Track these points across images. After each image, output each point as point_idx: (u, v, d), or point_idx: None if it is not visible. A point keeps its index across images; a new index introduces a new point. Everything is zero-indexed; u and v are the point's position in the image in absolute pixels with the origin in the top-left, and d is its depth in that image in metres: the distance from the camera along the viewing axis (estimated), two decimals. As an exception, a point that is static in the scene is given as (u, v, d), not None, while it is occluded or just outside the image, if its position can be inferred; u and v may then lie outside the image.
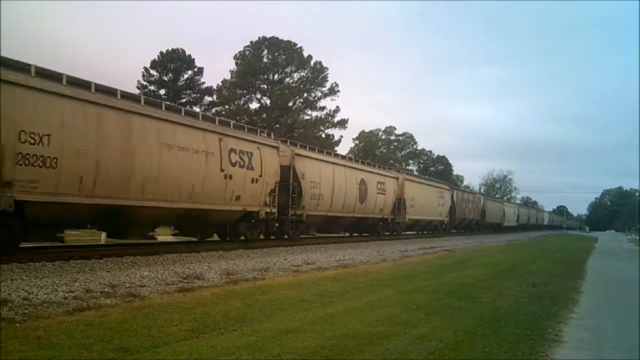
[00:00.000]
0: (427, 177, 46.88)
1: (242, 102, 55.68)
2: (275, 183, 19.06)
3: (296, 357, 5.42)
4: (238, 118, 54.23)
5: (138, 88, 50.54)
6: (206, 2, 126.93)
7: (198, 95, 54.43)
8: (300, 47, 55.58)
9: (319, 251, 18.52)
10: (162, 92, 51.83)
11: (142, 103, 13.95)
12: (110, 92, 12.85)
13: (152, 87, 52.00)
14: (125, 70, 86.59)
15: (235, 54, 55.64)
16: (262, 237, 19.62)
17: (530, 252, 27.12)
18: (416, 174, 49.53)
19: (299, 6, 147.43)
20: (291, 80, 56.47)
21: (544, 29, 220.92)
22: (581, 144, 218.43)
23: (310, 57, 55.97)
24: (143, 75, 52.29)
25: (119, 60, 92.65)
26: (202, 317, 7.03)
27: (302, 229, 21.97)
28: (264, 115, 54.88)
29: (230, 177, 16.41)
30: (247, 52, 55.27)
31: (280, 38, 55.39)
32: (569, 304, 9.89)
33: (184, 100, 53.21)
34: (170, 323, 6.60)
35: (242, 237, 18.40)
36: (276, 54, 55.11)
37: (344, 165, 25.23)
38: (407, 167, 79.41)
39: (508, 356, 5.94)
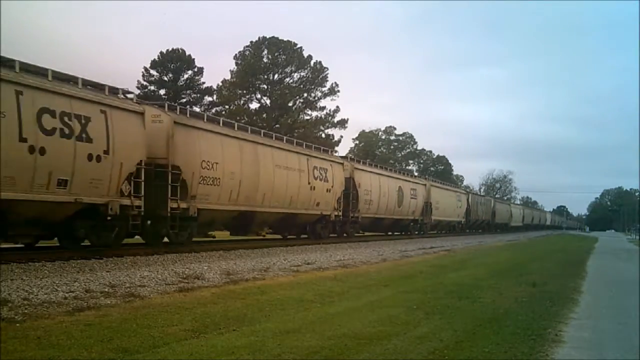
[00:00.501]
0: (448, 183, 50.96)
1: (242, 102, 55.67)
2: (341, 192, 24.45)
3: (296, 357, 5.42)
4: (238, 118, 54.30)
5: (138, 88, 50.52)
6: (206, 2, 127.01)
7: (198, 95, 54.42)
8: (300, 47, 55.60)
9: (319, 251, 18.53)
10: (162, 92, 51.81)
11: (262, 135, 19.83)
12: (244, 128, 19.19)
13: (152, 87, 51.99)
14: (125, 70, 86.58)
15: (235, 54, 55.68)
16: (330, 235, 24.61)
17: (530, 252, 27.11)
18: (439, 181, 47.81)
19: (299, 6, 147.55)
20: (291, 80, 56.47)
21: (544, 29, 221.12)
22: (581, 144, 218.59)
23: (310, 57, 55.99)
24: (143, 75, 52.29)
25: (119, 60, 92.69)
26: (202, 317, 7.03)
27: (357, 228, 27.65)
28: (264, 115, 54.88)
29: (314, 188, 21.68)
30: (247, 52, 55.25)
31: (280, 38, 55.41)
32: (569, 303, 9.88)
33: (184, 100, 53.18)
34: (170, 323, 6.60)
35: (318, 235, 23.38)
36: (276, 54, 55.09)
37: (387, 176, 31.12)
38: (407, 167, 79.51)
39: (508, 356, 5.94)
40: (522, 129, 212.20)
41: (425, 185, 37.31)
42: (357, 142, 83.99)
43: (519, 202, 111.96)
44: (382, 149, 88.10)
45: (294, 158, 20.67)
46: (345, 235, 25.93)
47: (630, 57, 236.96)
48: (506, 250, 27.06)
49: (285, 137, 22.10)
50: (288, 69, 56.02)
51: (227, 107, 54.44)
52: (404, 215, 33.39)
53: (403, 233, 35.38)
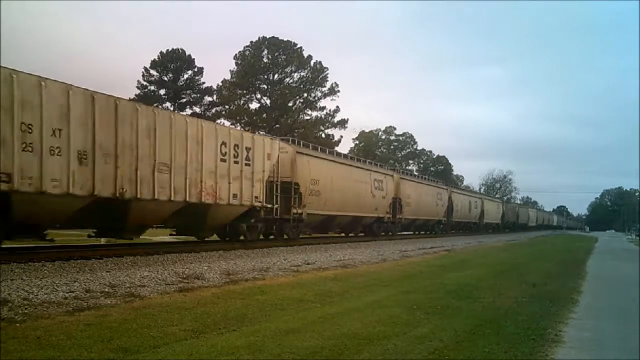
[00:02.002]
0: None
1: (242, 102, 55.72)
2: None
3: (296, 357, 5.42)
4: (238, 118, 54.35)
5: (138, 88, 50.60)
6: (206, 2, 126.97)
7: (198, 95, 54.50)
8: (300, 47, 55.67)
9: (319, 251, 18.53)
10: (162, 92, 51.85)
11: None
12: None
13: (152, 87, 52.04)
14: (125, 70, 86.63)
15: (235, 54, 55.75)
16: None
17: (530, 252, 27.10)
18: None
19: (299, 6, 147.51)
20: (291, 80, 56.52)
21: (544, 29, 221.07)
22: (581, 144, 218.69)
23: (310, 57, 56.05)
24: (143, 75, 52.39)
25: (119, 60, 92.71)
26: (202, 317, 7.03)
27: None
28: (264, 115, 54.93)
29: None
30: (247, 52, 55.30)
31: (280, 38, 55.48)
32: (569, 303, 9.88)
33: (184, 100, 53.25)
34: (170, 323, 6.60)
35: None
36: (276, 54, 55.15)
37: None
38: (407, 167, 79.53)
39: (508, 356, 5.94)
40: (522, 129, 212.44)
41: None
42: (357, 142, 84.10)
43: (519, 202, 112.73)
44: (382, 149, 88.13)
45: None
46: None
47: (629, 57, 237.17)
48: (506, 251, 27.05)
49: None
50: (288, 69, 56.09)
51: (227, 107, 54.49)
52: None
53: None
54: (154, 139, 13.37)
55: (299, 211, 20.76)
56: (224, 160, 15.88)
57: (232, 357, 5.33)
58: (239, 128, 42.32)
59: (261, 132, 45.11)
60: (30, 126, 10.53)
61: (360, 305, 8.58)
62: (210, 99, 55.08)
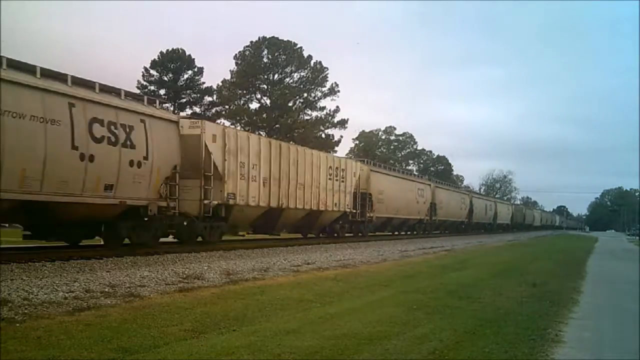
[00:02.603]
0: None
1: (242, 102, 55.68)
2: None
3: (296, 357, 5.42)
4: (238, 118, 54.33)
5: (138, 88, 50.52)
6: (206, 2, 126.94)
7: (198, 95, 54.43)
8: (300, 47, 55.60)
9: (319, 251, 18.52)
10: (162, 92, 51.82)
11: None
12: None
13: (152, 87, 51.99)
14: (126, 70, 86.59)
15: (235, 54, 55.68)
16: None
17: (530, 252, 27.11)
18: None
19: (299, 6, 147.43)
20: (291, 80, 56.46)
21: (545, 29, 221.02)
22: (581, 144, 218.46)
23: (310, 57, 55.99)
24: (143, 75, 52.31)
25: (119, 60, 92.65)
26: (202, 317, 7.03)
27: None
28: (264, 115, 54.88)
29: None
30: (247, 52, 55.26)
31: (280, 38, 55.42)
32: (569, 304, 9.89)
33: (184, 100, 53.22)
34: (170, 323, 6.60)
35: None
36: (276, 54, 55.10)
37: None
38: (407, 167, 79.58)
39: (508, 356, 5.94)
40: (522, 129, 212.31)
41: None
42: (357, 142, 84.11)
43: (519, 202, 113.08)
44: (382, 149, 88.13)
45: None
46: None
47: (630, 57, 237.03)
48: (506, 251, 27.06)
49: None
50: (288, 69, 56.04)
51: (227, 107, 54.46)
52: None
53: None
54: (296, 167, 20.11)
55: (371, 215, 27.07)
56: (330, 179, 22.65)
57: (232, 357, 5.33)
58: (239, 127, 42.27)
59: (261, 132, 45.17)
60: (242, 163, 16.95)
61: (360, 305, 8.58)
62: (210, 99, 55.03)
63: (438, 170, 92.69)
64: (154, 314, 7.08)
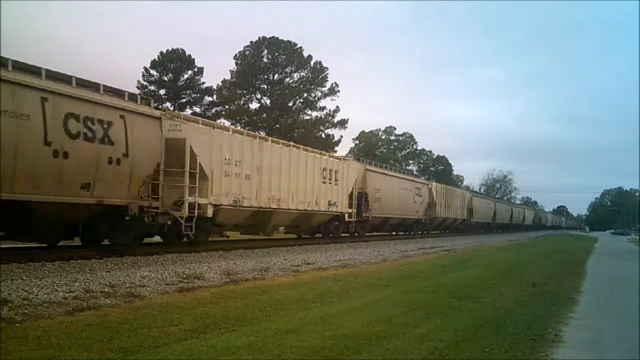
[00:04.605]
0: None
1: (242, 102, 55.64)
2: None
3: (296, 357, 5.42)
4: (238, 118, 54.32)
5: (138, 88, 50.53)
6: (206, 2, 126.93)
7: (198, 95, 54.40)
8: (300, 47, 55.56)
9: (319, 251, 18.52)
10: (162, 92, 51.82)
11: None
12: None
13: (152, 87, 51.98)
14: (126, 70, 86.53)
15: (235, 54, 55.64)
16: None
17: (530, 252, 27.12)
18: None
19: (299, 6, 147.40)
20: (291, 80, 56.42)
21: (543, 29, 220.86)
22: (581, 144, 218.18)
23: (310, 57, 55.95)
24: (143, 75, 52.29)
25: (119, 60, 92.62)
26: (202, 317, 7.03)
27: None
28: (264, 115, 54.86)
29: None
30: (247, 52, 55.23)
31: (280, 38, 55.39)
32: (569, 303, 9.89)
33: (184, 100, 53.21)
34: (170, 323, 6.60)
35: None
36: (276, 54, 55.07)
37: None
38: (407, 167, 79.52)
39: (508, 356, 5.94)
40: (521, 129, 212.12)
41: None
42: (357, 142, 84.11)
43: (519, 202, 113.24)
44: (382, 149, 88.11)
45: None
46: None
47: (630, 56, 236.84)
48: (506, 251, 27.06)
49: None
50: (288, 69, 55.98)
51: (227, 107, 54.44)
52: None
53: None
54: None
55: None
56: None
57: (232, 357, 5.33)
58: (238, 127, 42.25)
59: (261, 132, 45.09)
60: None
61: (360, 305, 8.58)
62: (210, 99, 55.00)
63: (438, 170, 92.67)
64: (154, 314, 7.08)
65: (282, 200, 19.19)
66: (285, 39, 55.37)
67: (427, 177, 44.96)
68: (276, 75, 56.08)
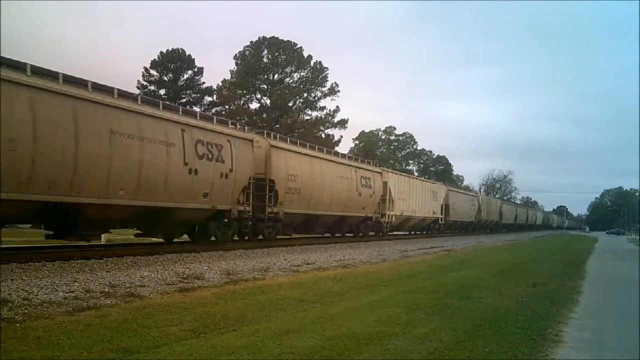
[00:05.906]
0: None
1: (242, 102, 55.66)
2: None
3: (296, 357, 5.42)
4: (238, 118, 54.31)
5: (138, 88, 50.54)
6: (206, 2, 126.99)
7: (198, 95, 54.41)
8: (300, 47, 55.59)
9: (319, 251, 18.53)
10: (162, 92, 51.80)
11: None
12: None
13: (152, 87, 51.97)
14: (126, 70, 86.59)
15: (235, 54, 55.70)
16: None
17: (530, 252, 27.11)
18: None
19: (299, 6, 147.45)
20: (291, 80, 56.45)
21: (543, 29, 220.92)
22: (581, 144, 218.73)
23: (310, 57, 55.98)
24: (143, 75, 52.30)
25: (119, 60, 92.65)
26: (202, 317, 7.03)
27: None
28: (264, 115, 54.85)
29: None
30: (247, 52, 55.25)
31: (280, 38, 55.40)
32: (569, 303, 9.88)
33: (184, 100, 53.18)
34: (170, 323, 6.60)
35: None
36: (276, 54, 55.09)
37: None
38: (407, 167, 79.54)
39: (508, 356, 5.94)
40: (522, 129, 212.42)
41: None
42: (357, 142, 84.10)
43: (519, 202, 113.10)
44: (382, 149, 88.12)
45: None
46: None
47: (630, 56, 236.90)
48: (506, 251, 27.04)
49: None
50: (288, 69, 56.02)
51: (227, 107, 54.42)
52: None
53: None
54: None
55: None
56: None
57: (232, 357, 5.33)
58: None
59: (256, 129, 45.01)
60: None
61: (360, 305, 8.58)
62: (210, 99, 55.01)
63: (438, 170, 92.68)
64: (154, 314, 7.08)
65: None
66: (285, 39, 55.46)
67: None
68: (276, 75, 56.10)
